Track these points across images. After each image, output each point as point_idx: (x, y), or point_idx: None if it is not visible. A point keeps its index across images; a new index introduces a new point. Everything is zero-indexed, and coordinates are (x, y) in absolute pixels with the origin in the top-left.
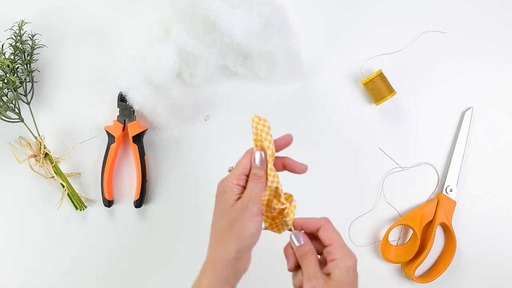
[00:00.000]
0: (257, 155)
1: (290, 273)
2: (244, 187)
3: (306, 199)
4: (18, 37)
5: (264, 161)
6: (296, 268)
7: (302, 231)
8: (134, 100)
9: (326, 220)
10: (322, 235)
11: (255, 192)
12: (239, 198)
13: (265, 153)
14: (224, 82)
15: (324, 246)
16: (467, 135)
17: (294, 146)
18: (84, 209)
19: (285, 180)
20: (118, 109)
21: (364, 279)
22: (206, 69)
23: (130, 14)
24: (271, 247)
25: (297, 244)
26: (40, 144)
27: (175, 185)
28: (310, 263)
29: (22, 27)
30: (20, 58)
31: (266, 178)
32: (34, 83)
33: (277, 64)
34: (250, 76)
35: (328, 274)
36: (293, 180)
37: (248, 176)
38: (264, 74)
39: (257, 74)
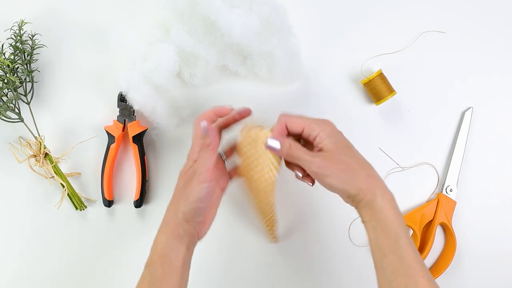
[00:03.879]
0: (202, 125)
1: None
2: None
3: (306, 199)
4: (18, 37)
5: (209, 130)
6: (305, 175)
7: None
8: (134, 100)
9: (284, 116)
10: (292, 128)
11: (203, 160)
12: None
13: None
14: (224, 82)
15: (302, 136)
16: (467, 135)
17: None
18: (84, 209)
19: (284, 181)
20: (118, 109)
21: (364, 279)
22: (206, 69)
23: (130, 14)
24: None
25: (278, 147)
26: (40, 144)
27: (175, 185)
28: (299, 152)
29: (22, 27)
30: (20, 58)
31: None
32: (34, 83)
33: (277, 64)
34: (250, 76)
35: (320, 151)
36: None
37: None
38: (264, 74)
39: (257, 74)
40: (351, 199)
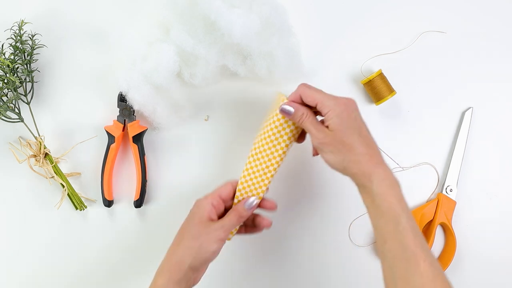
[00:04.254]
0: (251, 200)
1: None
2: (215, 207)
3: (306, 199)
4: (18, 37)
5: (253, 208)
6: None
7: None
8: (134, 100)
9: (302, 86)
10: (307, 100)
11: (231, 224)
12: (209, 216)
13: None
14: (224, 82)
15: (316, 109)
16: (467, 135)
17: (294, 146)
18: (84, 209)
19: (284, 181)
20: (118, 109)
21: (364, 279)
22: (206, 69)
23: (130, 14)
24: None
25: (291, 112)
26: (40, 144)
27: (175, 185)
28: (307, 123)
29: (22, 27)
30: (20, 58)
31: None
32: (34, 83)
33: (277, 64)
34: (250, 76)
35: (328, 128)
36: (293, 180)
37: (222, 199)
38: (264, 74)
39: (257, 74)
40: (351, 179)
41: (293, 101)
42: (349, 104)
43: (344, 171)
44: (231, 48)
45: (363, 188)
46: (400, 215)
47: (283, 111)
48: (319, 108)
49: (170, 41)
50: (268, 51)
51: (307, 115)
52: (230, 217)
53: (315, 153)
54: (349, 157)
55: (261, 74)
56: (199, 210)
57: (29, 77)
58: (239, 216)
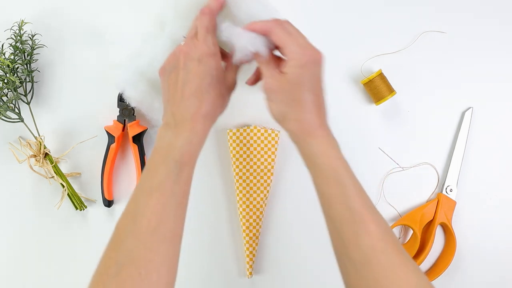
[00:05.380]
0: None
1: None
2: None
3: (306, 199)
4: (18, 37)
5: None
6: (256, 80)
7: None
8: (131, 97)
9: (275, 22)
10: (274, 38)
11: (236, 68)
12: (221, 71)
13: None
14: None
15: (279, 51)
16: (467, 135)
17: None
18: (84, 209)
19: (284, 182)
20: (118, 109)
21: None
22: None
23: (129, 12)
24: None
25: (252, 50)
26: (40, 144)
27: None
28: (264, 65)
29: (22, 27)
30: (20, 58)
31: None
32: (34, 83)
33: None
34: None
35: (283, 74)
36: (292, 180)
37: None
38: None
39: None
40: (289, 135)
41: (254, 27)
42: (316, 58)
43: (283, 124)
44: (225, 45)
45: (302, 148)
46: (344, 176)
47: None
48: (282, 51)
49: (165, 36)
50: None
51: (266, 56)
52: (234, 65)
53: (252, 82)
54: (295, 113)
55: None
56: (218, 72)
57: (29, 77)
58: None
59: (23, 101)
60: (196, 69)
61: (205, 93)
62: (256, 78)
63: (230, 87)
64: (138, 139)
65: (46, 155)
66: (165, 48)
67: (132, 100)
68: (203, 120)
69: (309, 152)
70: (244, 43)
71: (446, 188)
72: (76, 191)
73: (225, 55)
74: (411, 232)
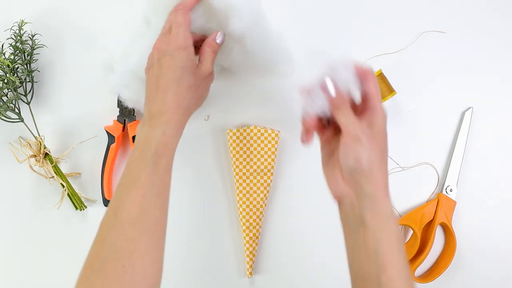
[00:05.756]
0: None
1: None
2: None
3: (306, 199)
4: (18, 37)
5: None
6: (311, 136)
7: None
8: (126, 98)
9: (371, 71)
10: (369, 85)
11: (211, 61)
12: (195, 63)
13: None
14: (223, 83)
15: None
16: (467, 135)
17: (293, 146)
18: (84, 209)
19: (284, 183)
20: (118, 109)
21: None
22: None
23: (127, 11)
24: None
25: (333, 93)
26: (40, 144)
27: (174, 185)
28: (347, 111)
29: (22, 27)
30: (20, 58)
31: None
32: (34, 83)
33: (253, 54)
34: (240, 69)
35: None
36: (292, 181)
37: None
38: (245, 65)
39: (240, 67)
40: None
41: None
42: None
43: (363, 177)
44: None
45: (364, 209)
46: (390, 263)
47: (327, 87)
48: (369, 102)
49: (151, 35)
50: (239, 38)
51: (348, 103)
52: (206, 56)
53: (309, 139)
54: (380, 165)
55: (239, 64)
56: (190, 64)
57: (29, 77)
58: (213, 51)
59: (23, 101)
60: (168, 64)
61: (177, 86)
62: (309, 132)
63: (206, 78)
64: None
65: (46, 155)
66: (152, 45)
67: (128, 101)
68: (176, 112)
69: (362, 223)
70: (345, 77)
71: (446, 188)
72: (76, 191)
73: (198, 48)
74: (411, 232)
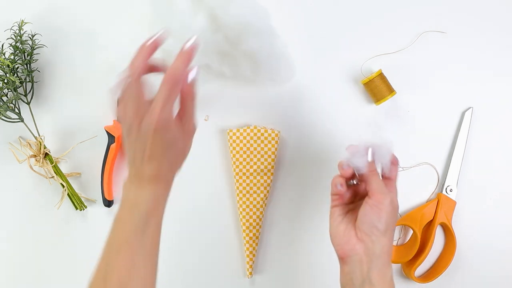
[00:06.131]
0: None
1: None
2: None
3: (306, 199)
4: (18, 37)
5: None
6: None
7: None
8: None
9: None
10: (392, 171)
11: (192, 111)
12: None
13: None
14: (213, 83)
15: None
16: (467, 135)
17: (293, 146)
18: (84, 209)
19: (284, 183)
20: None
21: None
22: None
23: (127, 11)
24: None
25: (370, 158)
26: (40, 144)
27: (174, 185)
28: (379, 177)
29: (22, 27)
30: (20, 58)
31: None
32: (34, 83)
33: (260, 65)
34: (238, 77)
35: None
36: (292, 180)
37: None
38: (249, 75)
39: (242, 75)
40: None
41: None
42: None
43: (377, 235)
44: (212, 47)
45: (361, 273)
46: None
47: (369, 152)
48: (391, 182)
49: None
50: (250, 52)
51: (377, 171)
52: (190, 110)
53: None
54: (392, 226)
55: (246, 74)
56: (171, 133)
57: (29, 77)
58: (194, 100)
59: (23, 101)
60: (151, 140)
61: (164, 157)
62: (343, 183)
63: (189, 134)
64: None
65: (46, 155)
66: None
67: None
68: (165, 177)
69: (373, 277)
70: (383, 156)
71: (446, 188)
72: (76, 191)
73: (184, 103)
74: (411, 232)
